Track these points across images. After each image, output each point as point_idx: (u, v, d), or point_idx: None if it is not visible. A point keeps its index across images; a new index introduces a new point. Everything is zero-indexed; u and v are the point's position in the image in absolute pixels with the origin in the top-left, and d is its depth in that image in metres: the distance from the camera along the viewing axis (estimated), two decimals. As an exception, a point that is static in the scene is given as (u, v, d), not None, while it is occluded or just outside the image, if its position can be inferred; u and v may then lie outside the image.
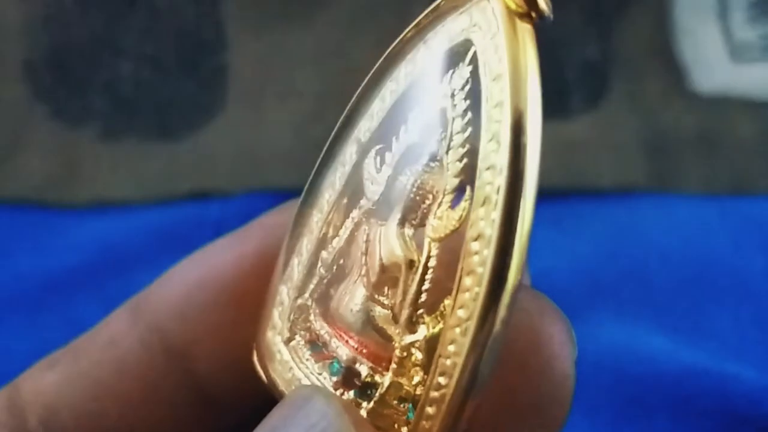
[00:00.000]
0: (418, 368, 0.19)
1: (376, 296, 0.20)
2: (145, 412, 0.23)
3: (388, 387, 0.19)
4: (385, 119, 0.21)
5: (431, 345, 0.19)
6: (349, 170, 0.21)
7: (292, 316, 0.22)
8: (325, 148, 0.22)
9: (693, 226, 0.39)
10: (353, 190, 0.21)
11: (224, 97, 0.42)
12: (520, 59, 0.18)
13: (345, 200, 0.22)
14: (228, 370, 0.23)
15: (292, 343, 0.22)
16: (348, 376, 0.20)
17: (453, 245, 0.19)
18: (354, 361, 0.20)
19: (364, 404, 0.19)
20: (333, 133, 0.22)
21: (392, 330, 0.19)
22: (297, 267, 0.22)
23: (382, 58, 0.21)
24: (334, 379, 0.20)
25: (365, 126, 0.21)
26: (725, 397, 0.32)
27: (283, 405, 0.19)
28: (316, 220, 0.22)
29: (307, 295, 0.22)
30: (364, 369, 0.20)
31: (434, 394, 0.18)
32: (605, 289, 0.37)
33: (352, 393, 0.20)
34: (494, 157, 0.17)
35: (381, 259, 0.20)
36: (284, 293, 0.22)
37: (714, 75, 0.42)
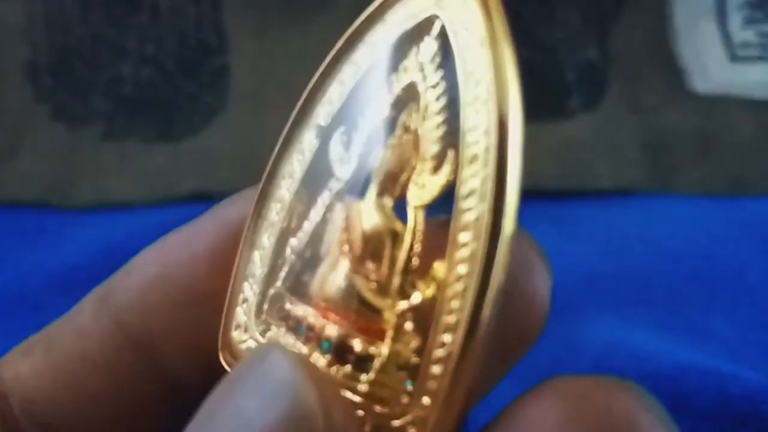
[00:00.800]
0: (413, 334, 0.19)
1: (361, 270, 0.20)
2: (115, 403, 0.23)
3: (389, 355, 0.19)
4: (348, 101, 0.21)
5: (424, 310, 0.19)
6: (309, 157, 0.22)
7: (265, 307, 0.22)
8: (280, 140, 0.22)
9: (692, 227, 0.39)
10: (317, 175, 0.22)
11: (225, 98, 0.43)
12: (494, 25, 0.19)
13: (308, 187, 0.22)
14: (194, 363, 0.23)
15: (269, 333, 0.22)
16: (340, 352, 0.20)
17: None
18: (345, 336, 0.20)
19: (363, 376, 0.20)
20: (288, 124, 0.22)
21: (380, 301, 0.20)
22: (259, 261, 0.22)
23: (337, 45, 0.22)
24: (328, 357, 0.20)
25: (324, 111, 0.22)
26: (724, 397, 0.32)
27: (240, 363, 0.19)
28: (275, 211, 0.22)
29: (279, 284, 0.22)
30: (357, 343, 0.20)
31: (439, 352, 0.18)
32: (604, 290, 0.37)
33: (348, 367, 0.20)
34: (477, 117, 0.19)
35: (363, 232, 0.20)
36: (248, 289, 0.22)
37: (712, 75, 0.43)
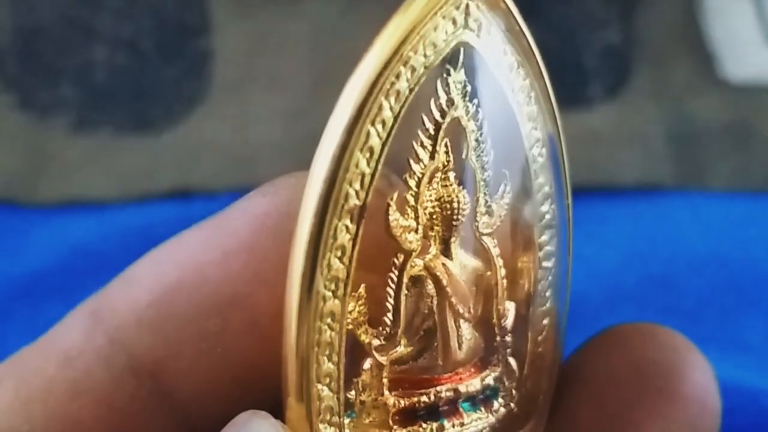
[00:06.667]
0: (516, 345, 0.23)
1: (474, 318, 0.23)
2: None
3: (514, 370, 0.23)
4: (385, 163, 0.21)
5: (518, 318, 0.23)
6: (351, 246, 0.20)
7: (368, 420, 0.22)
8: (302, 238, 0.20)
9: (723, 226, 0.39)
10: (371, 260, 0.21)
11: (208, 85, 0.42)
12: (530, 45, 0.22)
13: (361, 273, 0.21)
14: (212, 392, 0.22)
15: None
16: (484, 398, 0.23)
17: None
18: (485, 381, 0.23)
19: (499, 402, 0.23)
20: (314, 209, 0.20)
21: (495, 331, 0.23)
22: (328, 389, 0.21)
23: (352, 105, 0.20)
24: (480, 411, 0.23)
25: (356, 186, 0.20)
26: (760, 414, 0.33)
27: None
28: (327, 329, 0.21)
29: (374, 393, 0.22)
30: (490, 379, 0.23)
31: (541, 337, 0.24)
32: (627, 296, 0.37)
33: (495, 404, 0.23)
34: (537, 132, 0.23)
35: (468, 284, 0.22)
36: (327, 430, 0.21)
37: (747, 61, 0.43)
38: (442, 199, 0.22)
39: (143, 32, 0.43)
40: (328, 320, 0.20)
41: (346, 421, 0.21)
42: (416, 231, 0.21)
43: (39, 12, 0.44)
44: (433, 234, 0.22)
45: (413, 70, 0.20)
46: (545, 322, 0.24)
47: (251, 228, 0.22)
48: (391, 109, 0.20)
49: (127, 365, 0.22)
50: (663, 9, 0.43)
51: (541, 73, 0.23)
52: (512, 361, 0.23)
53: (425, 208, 0.22)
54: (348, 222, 0.20)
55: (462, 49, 0.21)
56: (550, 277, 0.24)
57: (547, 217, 0.24)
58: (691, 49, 0.43)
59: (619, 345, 0.25)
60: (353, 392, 0.21)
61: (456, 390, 0.22)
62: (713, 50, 0.43)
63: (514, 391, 0.23)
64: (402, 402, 0.22)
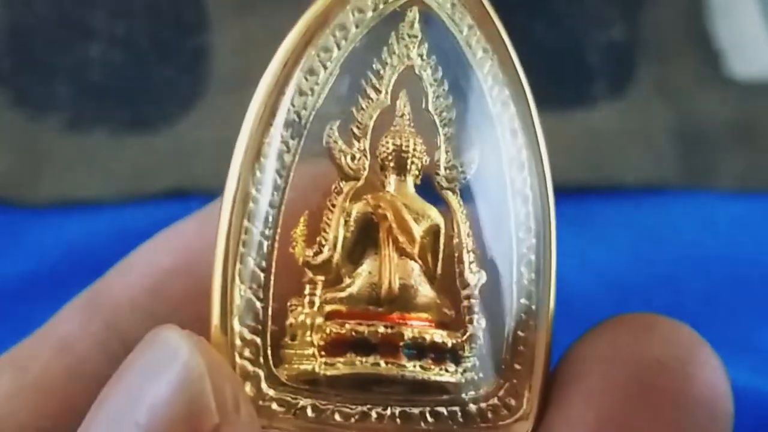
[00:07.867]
0: (481, 314, 0.23)
1: (424, 264, 0.22)
2: None
3: (476, 340, 0.23)
4: (331, 91, 0.22)
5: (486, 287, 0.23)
6: (290, 160, 0.22)
7: (291, 342, 0.22)
8: (244, 139, 0.22)
9: (729, 226, 0.39)
10: (311, 176, 0.22)
11: (206, 83, 0.42)
12: (486, 8, 0.23)
13: (301, 194, 0.22)
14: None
15: (326, 371, 0.22)
16: (434, 352, 0.22)
17: None
18: (432, 335, 0.22)
19: (467, 363, 0.22)
20: (253, 120, 0.22)
21: (451, 290, 0.23)
22: (251, 293, 0.21)
23: (296, 31, 0.22)
24: (428, 361, 0.22)
25: (297, 104, 0.22)
26: (765, 418, 0.32)
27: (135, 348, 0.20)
28: (257, 232, 0.21)
29: (305, 309, 0.22)
30: (442, 337, 0.22)
31: (521, 316, 0.23)
32: (631, 297, 0.37)
33: (449, 365, 0.22)
34: (502, 94, 0.23)
35: (417, 228, 0.22)
36: (244, 332, 0.21)
37: (753, 59, 0.43)
38: (394, 139, 0.23)
39: (139, 29, 0.43)
40: (257, 223, 0.21)
41: (282, 351, 0.21)
42: (357, 158, 0.22)
43: (33, 9, 0.44)
44: (385, 173, 0.23)
45: (361, 11, 0.22)
46: (524, 301, 0.23)
47: None
48: (336, 43, 0.22)
49: (122, 349, 0.22)
50: (668, 7, 0.43)
51: (499, 34, 0.23)
52: (480, 332, 0.23)
53: (377, 151, 0.22)
54: (284, 131, 0.21)
55: (416, 7, 0.23)
56: (524, 249, 0.23)
57: (519, 183, 0.23)
58: (696, 46, 0.43)
59: (618, 339, 0.23)
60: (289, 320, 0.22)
61: (394, 329, 0.22)
62: (719, 48, 0.43)
63: (477, 361, 0.23)
64: (335, 329, 0.22)
